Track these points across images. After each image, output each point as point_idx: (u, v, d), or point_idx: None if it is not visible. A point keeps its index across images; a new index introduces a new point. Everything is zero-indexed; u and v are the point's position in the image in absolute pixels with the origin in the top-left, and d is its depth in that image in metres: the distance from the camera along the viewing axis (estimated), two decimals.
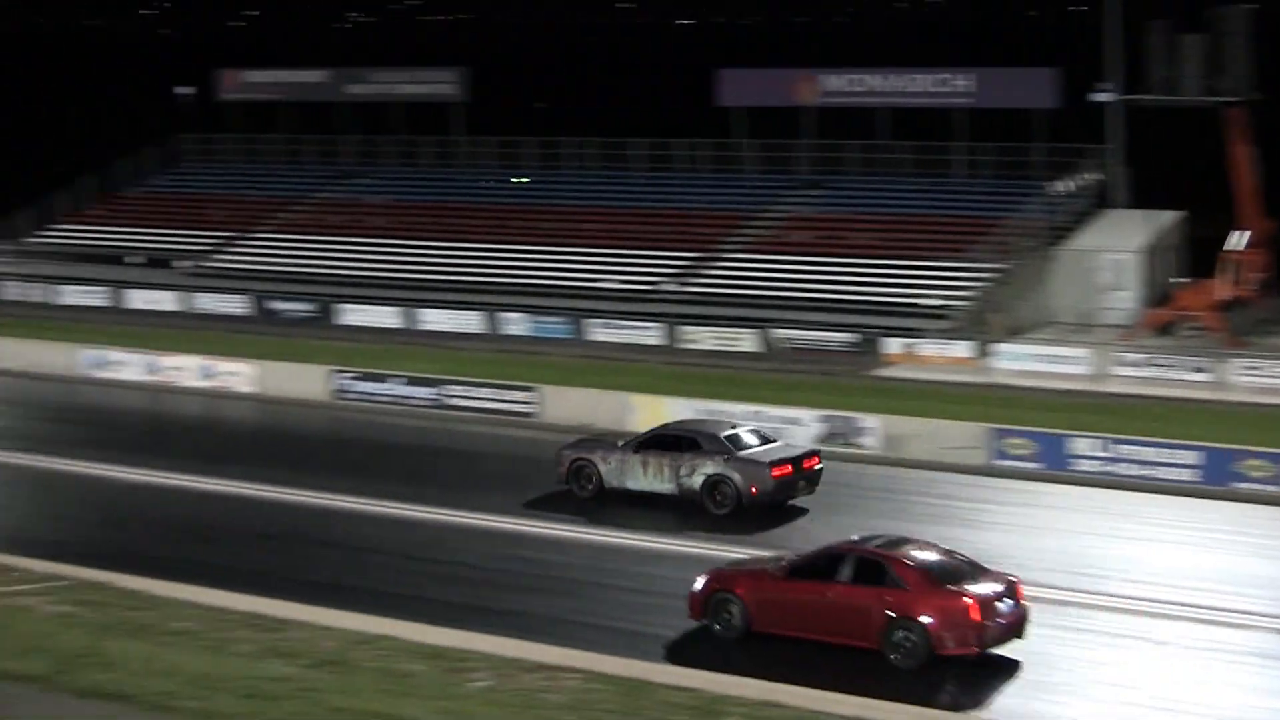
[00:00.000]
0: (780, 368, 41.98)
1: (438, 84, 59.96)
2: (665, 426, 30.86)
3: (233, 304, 51.77)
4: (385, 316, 49.07)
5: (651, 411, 34.59)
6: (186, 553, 26.43)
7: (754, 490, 28.23)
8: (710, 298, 47.58)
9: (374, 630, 20.56)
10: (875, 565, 21.13)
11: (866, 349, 42.83)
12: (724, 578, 22.26)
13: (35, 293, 54.15)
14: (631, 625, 22.70)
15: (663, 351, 44.15)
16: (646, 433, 30.49)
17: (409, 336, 47.29)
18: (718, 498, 28.51)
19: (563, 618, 22.93)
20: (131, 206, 60.91)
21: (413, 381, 39.11)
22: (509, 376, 38.91)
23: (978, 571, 21.39)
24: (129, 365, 38.74)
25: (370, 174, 59.20)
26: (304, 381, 40.08)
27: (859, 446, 33.26)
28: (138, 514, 29.45)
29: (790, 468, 28.73)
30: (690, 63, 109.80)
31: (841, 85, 52.09)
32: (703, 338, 44.83)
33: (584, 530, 27.94)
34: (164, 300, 52.55)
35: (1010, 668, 20.61)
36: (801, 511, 28.76)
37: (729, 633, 21.75)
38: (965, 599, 20.49)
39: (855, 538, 22.51)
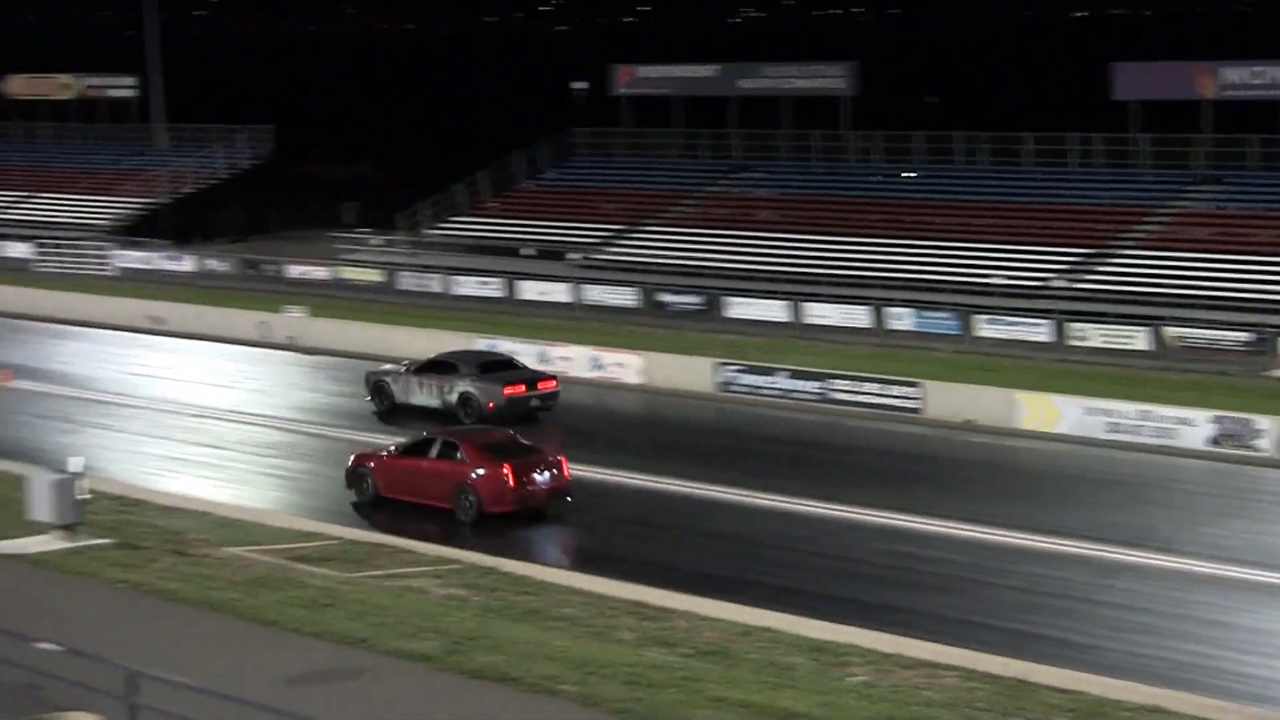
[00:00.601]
0: (1172, 366, 40.54)
1: (827, 79, 60.10)
2: (437, 355, 37.98)
3: (622, 296, 52.68)
4: (772, 310, 49.25)
5: (1038, 409, 34.03)
6: (570, 540, 27.56)
7: (490, 405, 35.39)
8: (1101, 295, 46.24)
9: (755, 622, 20.74)
10: (451, 445, 28.21)
11: (1264, 349, 40.88)
12: (362, 457, 29.45)
13: (432, 284, 56.11)
14: (1013, 624, 22.42)
15: (1050, 349, 43.15)
16: (423, 360, 37.51)
17: (795, 330, 47.43)
18: (466, 410, 35.56)
19: (942, 614, 22.82)
20: (525, 200, 62.85)
21: (797, 375, 39.20)
22: (893, 372, 38.69)
23: (532, 452, 28.34)
24: (520, 355, 40.10)
25: (759, 168, 59.70)
26: (691, 373, 40.69)
27: (1253, 449, 31.90)
28: None
29: (524, 387, 36.16)
30: (1083, 55, 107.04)
31: (1243, 78, 49.80)
32: (1092, 335, 43.55)
33: (965, 527, 27.61)
34: (555, 292, 53.62)
35: None
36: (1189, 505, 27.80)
37: (365, 498, 28.90)
38: (503, 469, 27.22)
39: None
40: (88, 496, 23.73)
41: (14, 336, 48.00)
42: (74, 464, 23.83)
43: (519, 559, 24.63)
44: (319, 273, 57.75)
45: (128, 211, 66.98)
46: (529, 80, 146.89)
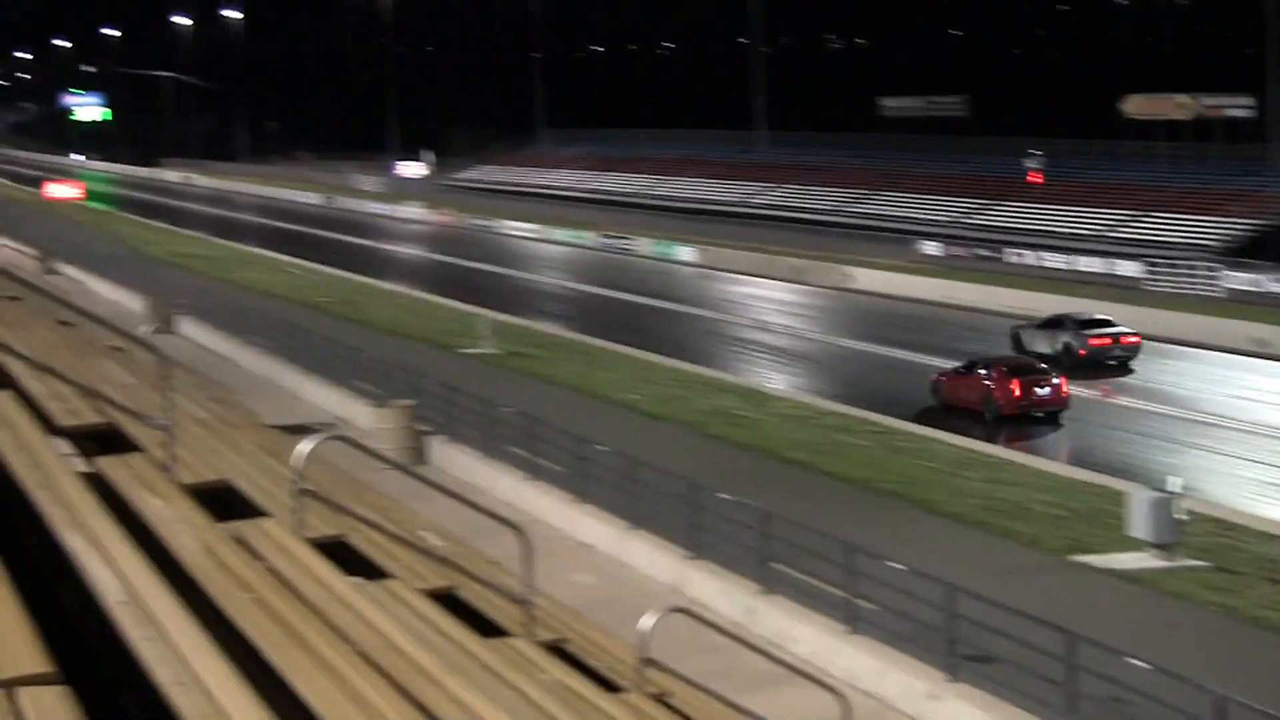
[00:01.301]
0: None
1: None
2: (1055, 314, 47.09)
3: None
4: None
5: None
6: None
7: (1081, 352, 43.97)
8: None
9: None
10: (986, 365, 38.34)
11: None
12: (938, 376, 39.19)
13: None
14: None
15: None
16: (1045, 317, 47.18)
17: None
18: (1067, 355, 43.66)
19: None
20: None
21: None
22: None
23: (1041, 373, 37.82)
24: None
25: None
26: None
27: None
28: None
29: (1110, 341, 44.65)
30: None
31: None
32: None
33: None
34: None
35: None
36: None
37: (936, 402, 38.57)
38: (1013, 383, 36.75)
39: None
40: (1186, 517, 23.90)
41: None
42: (1173, 484, 24.12)
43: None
44: None
45: (1237, 232, 66.39)
46: None
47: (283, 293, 60.30)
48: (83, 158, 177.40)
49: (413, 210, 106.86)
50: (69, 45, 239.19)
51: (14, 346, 10.34)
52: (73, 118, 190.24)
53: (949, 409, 38.28)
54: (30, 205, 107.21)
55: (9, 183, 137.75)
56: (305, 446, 7.88)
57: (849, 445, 33.57)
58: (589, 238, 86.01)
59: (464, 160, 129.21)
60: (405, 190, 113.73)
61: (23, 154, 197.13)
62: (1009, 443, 35.89)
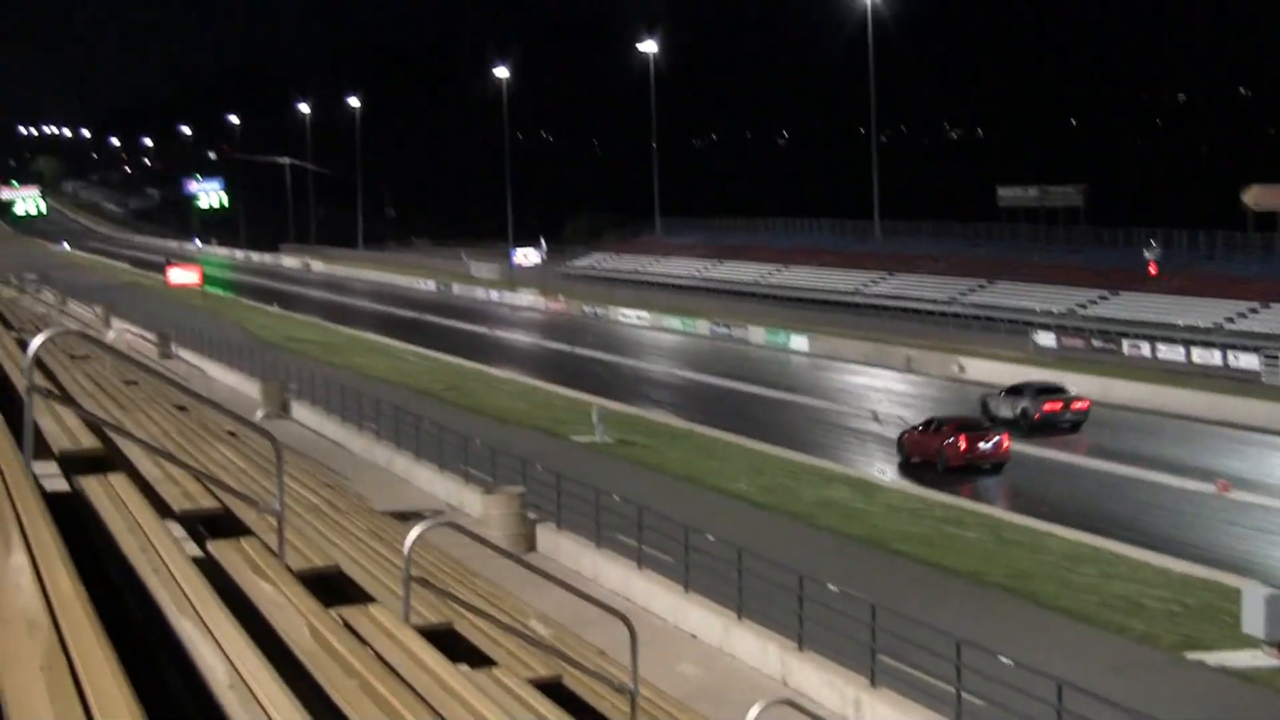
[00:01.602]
0: None
1: None
2: (1017, 383, 53.19)
3: None
4: None
5: None
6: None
7: (1036, 416, 49.61)
8: None
9: None
10: (940, 423, 44.73)
11: None
12: (903, 433, 45.91)
13: None
14: None
15: None
16: (1008, 386, 52.68)
17: None
18: (1024, 419, 49.30)
19: None
20: None
21: None
22: None
23: (986, 430, 44.44)
24: None
25: None
26: None
27: None
28: None
29: (1060, 405, 50.22)
30: None
31: None
32: None
33: None
34: None
35: None
36: None
37: (900, 457, 45.15)
38: (960, 439, 42.95)
39: None
40: None
41: (1236, 447, 48.36)
42: None
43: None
44: None
45: None
46: None
47: (396, 378, 60.93)
48: (203, 243, 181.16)
49: (526, 297, 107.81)
50: (191, 132, 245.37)
51: (130, 430, 10.53)
52: (194, 203, 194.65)
53: (910, 462, 44.65)
54: (151, 290, 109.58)
55: (131, 268, 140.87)
56: (414, 533, 7.93)
57: (959, 538, 33.20)
58: (702, 326, 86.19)
59: (579, 247, 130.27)
60: (520, 277, 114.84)
61: (144, 239, 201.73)
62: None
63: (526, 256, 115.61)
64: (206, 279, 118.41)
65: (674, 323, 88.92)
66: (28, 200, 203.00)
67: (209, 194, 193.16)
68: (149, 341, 69.34)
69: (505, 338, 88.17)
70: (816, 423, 55.29)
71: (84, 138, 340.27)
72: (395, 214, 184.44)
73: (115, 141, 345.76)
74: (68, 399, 11.34)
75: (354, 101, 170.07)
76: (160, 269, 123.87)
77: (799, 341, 77.39)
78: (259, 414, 47.25)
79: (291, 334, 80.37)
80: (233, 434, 16.27)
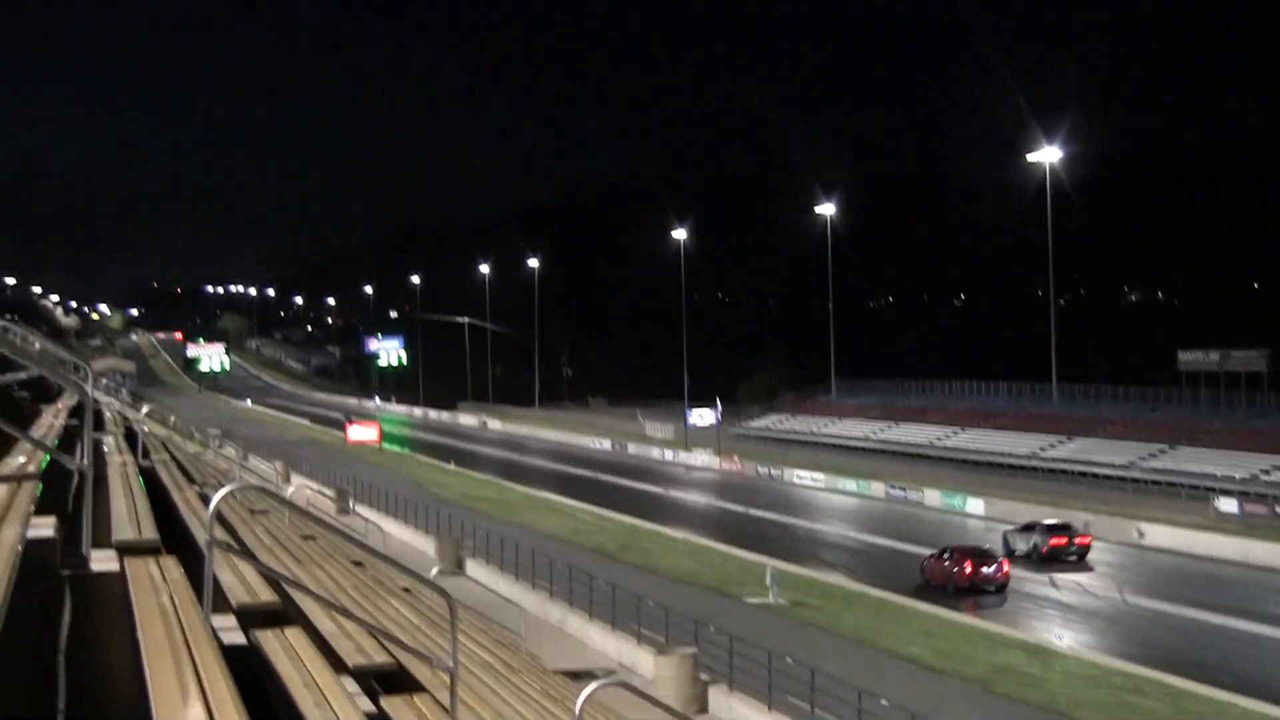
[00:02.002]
0: None
1: None
2: (1030, 521, 61.13)
3: None
4: None
5: None
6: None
7: (1044, 550, 57.07)
8: None
9: None
10: (949, 551, 52.58)
11: None
12: (925, 559, 53.34)
13: None
14: None
15: None
16: (1023, 523, 60.86)
17: None
18: (1035, 552, 57.46)
19: None
20: None
21: None
22: None
23: (990, 556, 51.95)
24: None
25: None
26: None
27: None
28: None
29: (1065, 540, 57.73)
30: None
31: None
32: None
33: None
34: None
35: None
36: None
37: (920, 580, 52.18)
38: (966, 564, 50.52)
39: None
40: None
41: None
42: None
43: None
44: None
45: None
46: None
47: (570, 536, 61.14)
48: (382, 400, 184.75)
49: (701, 457, 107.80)
50: (373, 291, 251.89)
51: (307, 584, 10.66)
52: (374, 360, 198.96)
53: (929, 585, 51.18)
54: (330, 446, 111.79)
55: (311, 424, 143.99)
56: (586, 692, 7.86)
57: (1139, 706, 32.21)
58: (877, 488, 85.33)
59: (755, 408, 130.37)
60: (694, 437, 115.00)
61: (325, 395, 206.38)
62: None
63: (702, 416, 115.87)
64: (385, 436, 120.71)
65: (849, 484, 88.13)
66: (212, 357, 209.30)
67: (389, 352, 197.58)
68: (327, 497, 70.54)
69: (679, 497, 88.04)
70: None
71: (268, 296, 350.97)
72: (572, 373, 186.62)
73: (298, 300, 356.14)
74: (247, 553, 11.54)
75: (533, 262, 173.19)
76: (340, 425, 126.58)
77: (975, 505, 76.23)
78: (434, 571, 47.61)
79: (467, 491, 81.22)
80: (407, 590, 16.39)
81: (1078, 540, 57.87)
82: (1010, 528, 60.40)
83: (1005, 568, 50.93)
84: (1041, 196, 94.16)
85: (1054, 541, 57.39)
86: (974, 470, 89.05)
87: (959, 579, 49.97)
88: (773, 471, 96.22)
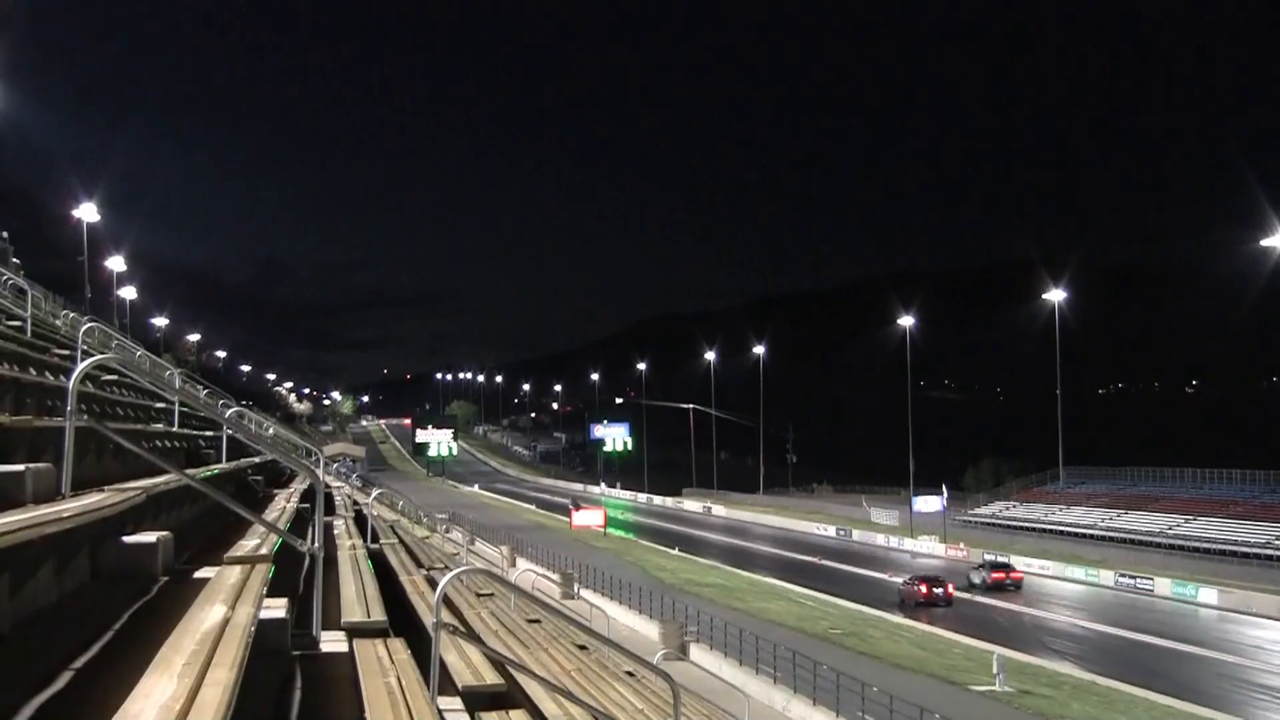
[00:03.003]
0: None
1: None
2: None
3: None
4: None
5: None
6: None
7: (988, 581, 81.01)
8: None
9: None
10: (912, 578, 79.83)
11: None
12: (904, 582, 78.63)
13: None
14: None
15: None
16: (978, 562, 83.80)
17: None
18: (982, 582, 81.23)
19: None
20: None
21: None
22: None
23: (939, 580, 76.59)
24: None
25: None
26: None
27: None
28: None
29: (1004, 574, 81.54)
30: None
31: None
32: None
33: None
34: None
35: None
36: None
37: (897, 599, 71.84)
38: (921, 584, 75.59)
39: None
40: None
41: None
42: None
43: None
44: None
45: None
46: None
47: (793, 622, 60.75)
48: (608, 486, 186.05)
49: (925, 544, 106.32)
50: (599, 378, 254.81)
51: (531, 667, 10.86)
52: (600, 446, 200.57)
53: (902, 603, 71.33)
54: (555, 531, 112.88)
55: (537, 509, 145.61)
56: None
57: None
58: (1105, 576, 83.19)
59: (981, 495, 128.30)
60: (920, 524, 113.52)
61: (550, 481, 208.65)
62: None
63: (927, 503, 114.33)
64: (610, 521, 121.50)
65: (1077, 572, 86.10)
66: (440, 443, 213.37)
67: (614, 438, 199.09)
68: (552, 581, 71.21)
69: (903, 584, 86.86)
70: (1226, 678, 52.36)
71: (496, 383, 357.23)
72: (796, 459, 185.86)
73: (526, 387, 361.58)
74: (472, 636, 11.80)
75: (759, 349, 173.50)
76: (565, 510, 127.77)
77: (1208, 594, 73.77)
78: (657, 655, 47.65)
79: (691, 577, 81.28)
80: (631, 674, 16.53)
81: (1012, 574, 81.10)
82: (972, 567, 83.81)
83: (950, 588, 74.30)
84: (1276, 281, 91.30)
85: (994, 576, 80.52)
86: (1205, 559, 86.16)
87: (918, 596, 72.84)
88: (996, 559, 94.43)
